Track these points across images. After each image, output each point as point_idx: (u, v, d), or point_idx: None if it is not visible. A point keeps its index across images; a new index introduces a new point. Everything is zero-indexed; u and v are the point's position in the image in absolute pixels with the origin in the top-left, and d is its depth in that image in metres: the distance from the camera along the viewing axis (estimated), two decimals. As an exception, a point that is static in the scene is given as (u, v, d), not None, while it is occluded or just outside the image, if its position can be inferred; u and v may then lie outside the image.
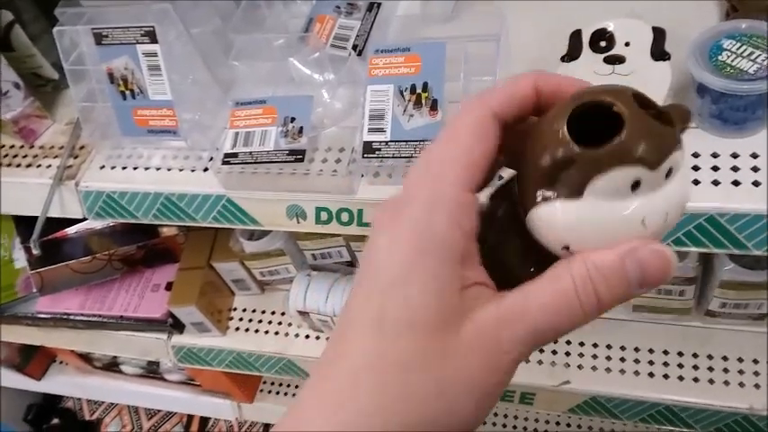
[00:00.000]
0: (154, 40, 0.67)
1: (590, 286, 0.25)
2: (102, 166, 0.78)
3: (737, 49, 0.56)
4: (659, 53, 0.63)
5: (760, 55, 0.55)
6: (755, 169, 0.56)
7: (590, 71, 0.64)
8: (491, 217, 0.30)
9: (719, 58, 0.56)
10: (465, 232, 0.26)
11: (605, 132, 0.24)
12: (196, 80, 0.73)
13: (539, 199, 0.26)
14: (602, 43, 0.65)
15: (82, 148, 0.81)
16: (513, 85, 0.28)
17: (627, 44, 0.65)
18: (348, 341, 0.26)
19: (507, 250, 0.30)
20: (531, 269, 0.28)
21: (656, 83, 0.61)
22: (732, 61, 0.55)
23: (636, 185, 0.25)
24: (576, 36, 0.67)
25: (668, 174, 0.25)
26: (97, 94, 0.73)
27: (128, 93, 0.70)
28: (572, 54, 0.66)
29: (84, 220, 0.86)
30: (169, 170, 0.75)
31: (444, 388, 0.25)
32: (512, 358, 0.26)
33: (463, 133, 0.27)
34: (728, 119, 0.57)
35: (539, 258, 0.28)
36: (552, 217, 0.26)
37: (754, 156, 0.57)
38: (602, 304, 0.25)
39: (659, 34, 0.64)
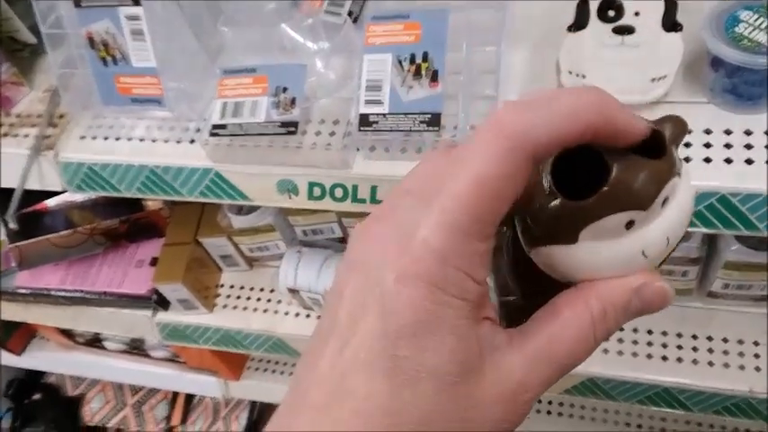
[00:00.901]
0: (137, 3, 0.63)
1: (604, 325, 0.25)
2: (83, 137, 0.74)
3: (755, 20, 0.53)
4: (671, 24, 0.60)
5: (779, 27, 0.53)
6: (770, 147, 0.54)
7: (598, 42, 0.61)
8: (501, 237, 0.29)
9: (736, 29, 0.53)
10: (478, 281, 0.24)
11: (599, 166, 0.24)
12: (182, 46, 0.69)
13: (534, 243, 0.26)
14: (611, 12, 0.62)
15: (61, 116, 0.77)
16: (568, 122, 0.23)
17: (637, 14, 0.62)
18: (354, 380, 0.23)
19: (516, 272, 0.29)
20: (535, 293, 0.27)
21: (667, 55, 0.58)
22: (749, 33, 0.53)
23: (630, 224, 0.24)
24: (583, 4, 0.63)
25: (665, 201, 0.24)
26: (77, 59, 0.69)
27: (109, 59, 0.66)
28: (579, 23, 0.63)
29: (64, 192, 0.83)
30: (154, 141, 0.72)
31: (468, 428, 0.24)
32: (534, 397, 0.25)
33: (497, 188, 0.23)
34: (743, 94, 0.55)
35: (546, 281, 0.27)
36: (550, 259, 0.26)
37: (769, 133, 0.54)
38: (605, 340, 0.26)
39: (671, 4, 0.61)
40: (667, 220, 0.25)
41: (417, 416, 0.23)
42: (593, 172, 0.24)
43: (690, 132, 0.56)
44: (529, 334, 0.26)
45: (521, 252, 0.28)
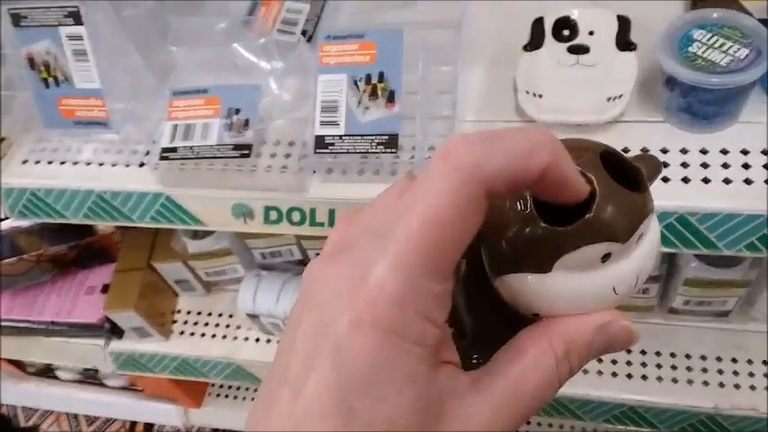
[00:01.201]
0: (78, 22, 0.60)
1: (567, 365, 0.24)
2: (25, 161, 0.71)
3: (708, 40, 0.54)
4: (625, 43, 0.60)
5: (732, 46, 0.53)
6: (726, 166, 0.54)
7: (554, 61, 0.60)
8: (457, 273, 0.27)
9: (690, 49, 0.53)
10: (438, 325, 0.23)
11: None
12: (128, 66, 0.66)
13: (502, 270, 0.25)
14: (566, 32, 0.62)
15: (2, 140, 0.74)
16: (523, 162, 0.21)
17: (591, 33, 0.62)
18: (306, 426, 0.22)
19: (473, 307, 0.28)
20: (499, 326, 0.26)
21: (622, 74, 0.58)
22: (703, 53, 0.53)
23: (606, 257, 0.23)
24: (538, 24, 0.63)
25: (640, 237, 0.24)
26: (17, 81, 0.66)
27: (51, 80, 0.63)
28: (534, 43, 0.62)
29: (7, 219, 0.79)
30: (101, 165, 0.69)
31: None
32: None
33: (452, 225, 0.21)
34: (698, 113, 0.55)
35: (507, 316, 0.26)
36: (521, 288, 0.25)
37: (725, 152, 0.54)
38: (569, 377, 0.25)
39: (624, 23, 0.61)
40: (640, 257, 0.24)
41: None
42: (567, 208, 0.23)
43: (646, 152, 0.55)
44: (493, 376, 0.24)
45: (477, 286, 0.26)
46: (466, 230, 0.22)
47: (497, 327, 0.26)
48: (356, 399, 0.21)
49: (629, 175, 0.24)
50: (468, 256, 0.27)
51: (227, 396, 1.19)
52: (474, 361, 0.28)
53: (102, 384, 1.22)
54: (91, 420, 1.47)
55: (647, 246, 0.24)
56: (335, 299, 0.22)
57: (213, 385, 1.20)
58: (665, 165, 0.54)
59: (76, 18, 0.60)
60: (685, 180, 0.53)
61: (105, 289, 0.92)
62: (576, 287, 0.24)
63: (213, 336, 0.93)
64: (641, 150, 0.55)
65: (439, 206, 0.21)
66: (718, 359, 0.74)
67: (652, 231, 0.24)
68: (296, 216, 0.63)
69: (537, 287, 0.24)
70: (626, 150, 0.56)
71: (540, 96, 0.59)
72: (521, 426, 0.24)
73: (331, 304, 0.22)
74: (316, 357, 0.22)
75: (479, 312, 0.28)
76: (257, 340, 0.91)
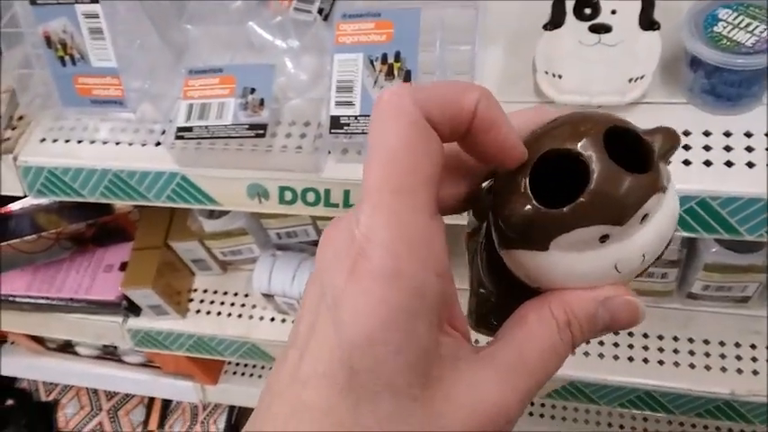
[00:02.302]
0: (95, 0, 0.60)
1: (568, 334, 0.24)
2: (43, 139, 0.71)
3: (734, 19, 0.52)
4: (648, 22, 0.58)
5: (758, 26, 0.51)
6: (750, 149, 0.52)
7: (575, 41, 0.59)
8: (476, 241, 0.28)
9: (715, 29, 0.52)
10: (438, 273, 0.22)
11: (583, 174, 0.22)
12: (144, 45, 0.66)
13: (505, 245, 0.25)
14: (587, 10, 0.61)
15: (21, 118, 0.74)
16: (453, 92, 0.23)
17: (613, 12, 0.60)
18: (311, 393, 0.22)
19: (492, 274, 0.28)
20: (508, 293, 0.26)
21: (644, 54, 0.56)
22: (728, 33, 0.51)
23: (605, 237, 0.23)
24: (559, 2, 0.62)
25: (645, 217, 0.23)
26: (34, 59, 0.66)
27: (67, 59, 0.63)
28: (555, 21, 0.61)
29: (26, 197, 0.80)
30: (117, 144, 0.69)
31: None
32: (514, 420, 0.24)
33: (404, 150, 0.22)
34: (722, 94, 0.53)
35: (519, 285, 0.26)
36: (522, 262, 0.25)
37: (748, 135, 0.53)
38: (572, 350, 0.25)
39: (648, 2, 0.59)
40: (645, 237, 0.23)
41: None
42: (576, 179, 0.22)
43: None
44: (496, 344, 0.24)
45: (495, 254, 0.26)
46: (422, 157, 0.22)
47: (513, 294, 0.26)
48: (356, 358, 0.21)
49: (640, 150, 0.23)
50: (487, 225, 0.27)
51: (243, 374, 1.20)
52: (492, 325, 0.29)
53: (120, 361, 1.23)
54: (110, 396, 1.49)
55: (655, 224, 0.23)
56: (334, 260, 0.23)
57: (230, 363, 1.21)
58: (687, 147, 0.53)
59: (92, -4, 0.60)
60: (707, 163, 0.52)
61: (123, 267, 0.93)
62: (574, 265, 0.23)
63: (229, 315, 0.93)
64: (662, 133, 0.54)
65: (383, 138, 0.22)
66: (737, 345, 0.73)
67: (665, 209, 0.23)
68: (310, 196, 0.63)
69: (536, 263, 0.24)
70: (647, 132, 0.55)
71: (560, 77, 0.58)
72: (529, 398, 0.24)
73: (330, 266, 0.23)
74: (318, 317, 0.23)
75: (497, 279, 0.28)
76: (272, 320, 0.91)
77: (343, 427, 0.21)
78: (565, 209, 0.22)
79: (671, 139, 0.24)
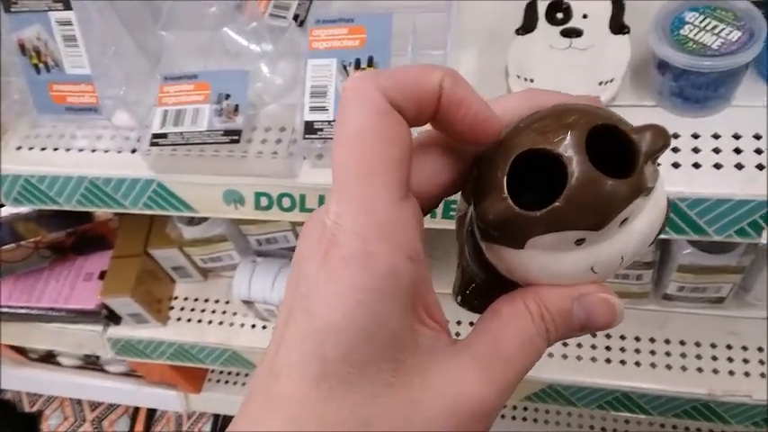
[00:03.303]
0: (68, 7, 0.60)
1: (543, 326, 0.24)
2: (19, 147, 0.71)
3: (701, 22, 0.53)
4: (618, 26, 0.59)
5: (724, 28, 0.52)
6: (717, 151, 0.53)
7: (546, 45, 0.60)
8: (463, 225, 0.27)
9: (681, 32, 0.53)
10: (409, 256, 0.22)
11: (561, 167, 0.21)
12: (119, 51, 0.66)
13: (484, 237, 0.24)
14: (559, 15, 0.62)
15: (-3, 126, 0.74)
16: (415, 74, 0.23)
17: (585, 16, 0.61)
18: (284, 384, 0.21)
19: (473, 257, 0.27)
20: (492, 279, 0.26)
21: (614, 58, 0.57)
22: (695, 35, 0.52)
23: (580, 241, 0.22)
24: (531, 7, 0.63)
25: (624, 221, 0.22)
26: (9, 67, 0.66)
27: (41, 66, 0.63)
28: (527, 26, 0.62)
29: (2, 206, 0.79)
30: (94, 151, 0.69)
31: None
32: (494, 411, 0.23)
33: (367, 135, 0.22)
34: (690, 97, 0.54)
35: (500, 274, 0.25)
36: (499, 257, 0.24)
37: (716, 136, 0.54)
38: (548, 344, 0.24)
39: (618, 6, 0.60)
40: (624, 240, 0.23)
41: (353, 424, 0.21)
42: (558, 175, 0.22)
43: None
44: (472, 335, 0.24)
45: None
46: (387, 141, 0.22)
47: (495, 280, 0.26)
48: (328, 346, 0.21)
49: (626, 148, 0.22)
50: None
51: (226, 382, 1.19)
52: (474, 305, 0.29)
53: (103, 370, 1.23)
54: (94, 406, 1.48)
55: (638, 226, 0.23)
56: (307, 250, 0.23)
57: (213, 371, 1.20)
58: (656, 149, 0.54)
59: (66, 3, 0.60)
60: (675, 165, 0.53)
61: (103, 275, 0.92)
62: (550, 264, 0.23)
63: (210, 322, 0.93)
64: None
65: (348, 125, 0.22)
66: (713, 345, 0.73)
67: (649, 209, 0.23)
68: (286, 202, 0.63)
69: (512, 259, 0.23)
70: (617, 135, 0.55)
71: (532, 81, 0.58)
72: (507, 389, 0.23)
73: (304, 256, 0.23)
74: (293, 308, 0.22)
75: (481, 265, 0.27)
76: (253, 326, 0.91)
77: (318, 417, 0.21)
78: (539, 212, 0.21)
79: (660, 139, 0.22)
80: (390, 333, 0.21)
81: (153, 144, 0.62)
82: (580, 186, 0.21)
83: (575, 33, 0.60)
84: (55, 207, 0.71)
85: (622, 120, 0.22)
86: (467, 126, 0.23)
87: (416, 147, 0.25)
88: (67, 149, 0.70)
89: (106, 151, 0.68)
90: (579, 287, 0.24)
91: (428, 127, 0.25)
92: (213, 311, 0.94)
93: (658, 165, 0.23)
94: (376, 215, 0.21)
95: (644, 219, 0.23)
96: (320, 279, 0.21)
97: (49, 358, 1.25)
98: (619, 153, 0.22)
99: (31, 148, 0.71)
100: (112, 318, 0.92)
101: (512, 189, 0.22)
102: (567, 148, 0.21)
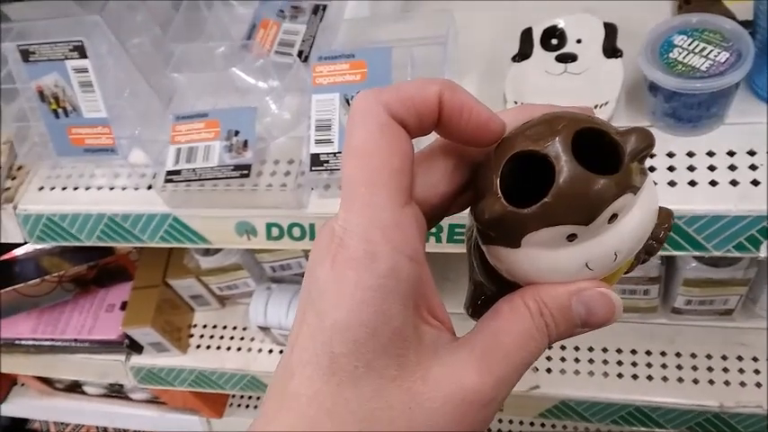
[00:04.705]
0: (83, 56, 0.63)
1: (542, 321, 0.25)
2: (41, 188, 0.74)
3: (689, 45, 0.54)
4: (611, 50, 0.61)
5: (712, 50, 0.53)
6: (712, 168, 0.54)
7: (542, 71, 0.62)
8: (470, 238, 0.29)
9: (671, 55, 0.54)
10: (410, 257, 0.23)
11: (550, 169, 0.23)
12: (134, 94, 0.69)
13: (484, 240, 0.26)
14: (554, 41, 0.63)
15: (20, 168, 0.77)
16: (415, 88, 0.24)
17: (579, 41, 0.63)
18: (296, 382, 0.23)
19: (481, 267, 0.29)
20: (501, 287, 0.27)
21: (608, 82, 0.59)
22: (684, 58, 0.54)
23: (572, 236, 0.23)
24: (526, 34, 0.65)
25: (614, 217, 0.23)
26: (29, 112, 0.69)
27: (60, 111, 0.67)
28: (523, 53, 0.64)
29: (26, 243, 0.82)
30: (112, 189, 0.72)
31: None
32: (489, 403, 0.24)
33: (371, 147, 0.24)
34: (682, 117, 0.56)
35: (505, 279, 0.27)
36: (498, 258, 0.25)
37: (711, 154, 0.55)
38: (549, 340, 0.25)
39: (611, 30, 0.62)
40: (616, 236, 0.24)
41: (360, 416, 0.22)
42: (549, 177, 0.23)
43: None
44: (472, 333, 0.25)
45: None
46: (390, 152, 0.24)
47: (503, 288, 0.27)
48: (337, 343, 0.22)
49: (612, 150, 0.23)
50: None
51: (247, 406, 1.21)
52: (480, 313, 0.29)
53: (127, 398, 1.25)
54: (120, 433, 1.51)
55: (627, 224, 0.24)
56: (317, 257, 0.24)
57: (234, 396, 1.22)
58: (652, 169, 0.55)
59: (81, 52, 0.63)
60: (672, 183, 0.54)
61: (124, 306, 0.95)
62: (546, 262, 0.24)
63: (228, 348, 0.95)
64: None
65: (354, 140, 0.24)
66: (723, 357, 0.74)
67: (638, 208, 0.24)
68: (296, 231, 0.66)
69: (511, 259, 0.25)
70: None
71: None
72: (506, 383, 0.24)
73: (315, 263, 0.24)
74: (305, 311, 0.24)
75: (488, 273, 0.28)
76: (270, 351, 0.93)
77: (328, 411, 0.22)
78: (530, 209, 0.23)
79: (644, 139, 0.24)
80: (394, 329, 0.23)
81: (167, 181, 0.65)
82: (567, 183, 0.22)
83: (569, 58, 0.62)
84: (76, 243, 0.74)
85: (609, 125, 0.24)
86: (471, 129, 0.25)
87: (422, 157, 0.27)
88: (87, 188, 0.72)
89: (123, 188, 0.71)
90: (577, 283, 0.25)
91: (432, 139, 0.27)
92: (231, 338, 0.96)
93: (647, 169, 0.24)
94: (379, 220, 0.23)
95: (634, 218, 0.24)
96: (329, 280, 0.23)
97: (74, 388, 1.28)
98: (607, 156, 0.23)
99: (52, 188, 0.74)
100: (134, 347, 0.95)
101: (508, 193, 0.24)
102: (555, 148, 0.22)
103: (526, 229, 0.23)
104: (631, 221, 0.24)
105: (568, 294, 0.24)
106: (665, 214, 0.28)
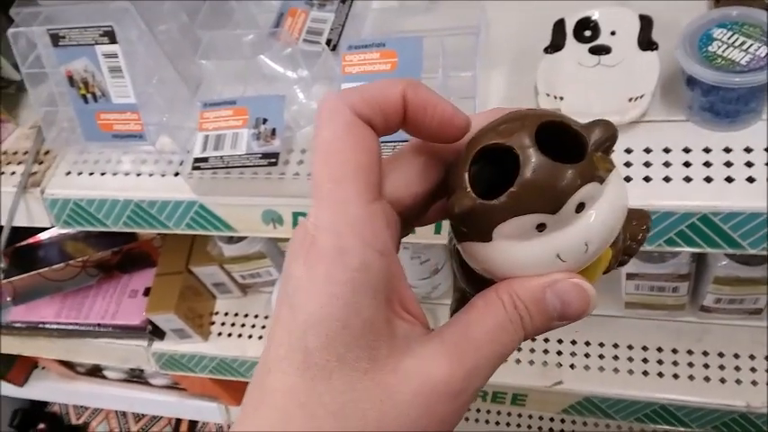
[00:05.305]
0: (113, 41, 0.63)
1: (515, 314, 0.25)
2: (69, 173, 0.75)
3: (729, 38, 0.53)
4: (646, 43, 0.60)
5: (752, 44, 0.52)
6: (749, 164, 0.53)
7: (575, 63, 0.61)
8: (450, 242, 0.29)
9: (710, 48, 0.53)
10: (380, 251, 0.24)
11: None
12: (162, 80, 0.69)
13: (458, 238, 0.26)
14: (587, 33, 0.62)
15: (47, 153, 0.78)
16: (378, 89, 0.25)
17: (613, 33, 0.62)
18: (273, 377, 0.23)
19: (459, 269, 0.29)
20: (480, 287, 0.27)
21: (643, 74, 0.58)
22: (723, 52, 0.52)
23: (541, 226, 0.24)
24: (559, 25, 0.64)
25: (581, 207, 0.24)
26: (58, 97, 0.70)
27: (89, 96, 0.67)
28: (556, 45, 0.63)
29: (53, 227, 0.83)
30: (138, 175, 0.72)
31: (384, 426, 0.23)
32: (458, 394, 0.24)
33: (338, 144, 0.24)
34: (720, 111, 0.54)
35: (481, 278, 0.27)
36: (472, 254, 0.26)
37: (748, 150, 0.54)
38: (525, 333, 0.25)
39: (646, 23, 0.61)
40: (585, 227, 0.24)
41: (333, 409, 0.22)
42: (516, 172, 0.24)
43: (668, 152, 0.55)
44: (445, 326, 0.26)
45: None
46: (355, 150, 0.24)
47: (481, 289, 0.27)
48: (309, 337, 0.23)
49: (577, 143, 0.24)
50: None
51: (266, 394, 1.22)
52: None
53: (147, 383, 1.26)
54: (138, 417, 1.52)
55: (596, 215, 0.24)
56: (292, 255, 0.24)
57: (253, 384, 1.23)
58: (687, 164, 0.54)
59: (111, 37, 0.63)
60: (708, 179, 0.53)
61: (147, 292, 0.96)
62: (519, 254, 0.24)
63: (250, 336, 0.96)
64: (663, 151, 0.55)
65: (320, 138, 0.25)
66: (751, 357, 0.73)
67: (606, 199, 0.24)
68: (323, 221, 0.65)
69: (484, 254, 0.25)
70: (648, 150, 0.56)
71: (562, 99, 0.59)
72: (477, 375, 0.24)
73: (290, 261, 0.25)
74: (281, 307, 0.24)
75: (468, 276, 0.29)
76: (292, 340, 0.93)
77: (302, 405, 0.22)
78: (498, 200, 0.23)
79: (607, 131, 0.24)
80: (365, 322, 0.23)
81: (195, 168, 0.65)
82: (532, 171, 0.23)
83: (603, 50, 0.61)
84: (103, 229, 0.75)
85: (574, 120, 0.24)
86: (436, 125, 0.26)
87: (394, 158, 0.28)
88: (114, 174, 0.73)
89: (150, 175, 0.71)
90: (551, 275, 0.25)
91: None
92: (253, 326, 0.96)
93: (612, 161, 0.25)
94: (347, 215, 0.24)
95: (603, 210, 0.24)
96: (302, 277, 0.23)
97: (95, 372, 1.29)
98: (573, 149, 0.24)
99: (79, 173, 0.74)
100: (157, 333, 0.96)
101: (481, 191, 0.24)
102: (520, 139, 0.23)
103: (496, 220, 0.24)
104: (600, 213, 0.24)
105: (542, 286, 0.25)
106: (642, 215, 0.29)
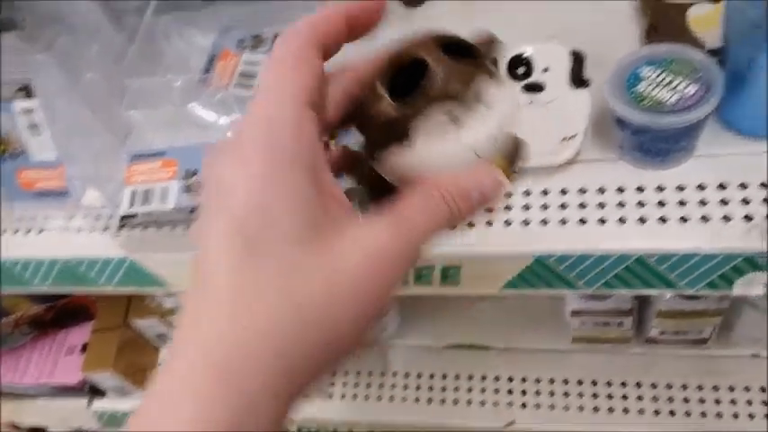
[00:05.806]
0: (30, 96, 0.60)
1: (438, 193, 0.27)
2: (-9, 232, 0.71)
3: (657, 76, 0.53)
4: (578, 80, 0.60)
5: (681, 82, 0.52)
6: (682, 203, 0.53)
7: (508, 103, 0.60)
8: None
9: (637, 88, 0.53)
10: (310, 141, 0.25)
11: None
12: (87, 133, 0.66)
13: (374, 149, 0.29)
14: (521, 70, 0.62)
15: (-32, 212, 0.74)
16: (328, 16, 0.27)
17: (545, 70, 0.62)
18: (216, 280, 0.23)
19: (366, 190, 0.32)
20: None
21: (575, 113, 0.58)
22: (650, 92, 0.52)
23: (455, 120, 0.27)
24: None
25: (484, 103, 0.28)
26: (-25, 155, 0.66)
27: (8, 155, 0.63)
28: (490, 84, 0.62)
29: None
30: (65, 232, 0.68)
31: (332, 297, 0.24)
32: (399, 260, 0.26)
33: (289, 59, 0.26)
34: (650, 150, 0.54)
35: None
36: (390, 163, 0.28)
37: (681, 188, 0.54)
38: (452, 210, 0.27)
39: (577, 59, 0.61)
40: (490, 119, 0.28)
41: (282, 289, 0.23)
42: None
43: (603, 192, 0.55)
44: (378, 214, 0.27)
45: (371, 169, 0.30)
46: (308, 66, 0.26)
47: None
48: (249, 225, 0.23)
49: (468, 53, 0.28)
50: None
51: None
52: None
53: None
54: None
55: (496, 110, 0.28)
56: (219, 162, 0.25)
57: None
58: (621, 205, 0.54)
59: (28, 92, 0.60)
60: (642, 220, 0.53)
61: (85, 348, 0.91)
62: (438, 153, 0.27)
63: (196, 388, 0.92)
64: (597, 191, 0.55)
65: (280, 57, 0.26)
66: (700, 387, 0.73)
67: (502, 97, 0.29)
68: (259, 274, 0.63)
69: (404, 159, 0.28)
70: (583, 191, 0.55)
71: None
72: (416, 246, 0.26)
73: (218, 166, 0.25)
74: (215, 209, 0.24)
75: (374, 191, 0.31)
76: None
77: (248, 285, 0.23)
78: (412, 96, 0.27)
79: (489, 40, 0.30)
80: (300, 195, 0.24)
81: (122, 225, 0.62)
82: (439, 67, 0.27)
83: (536, 88, 0.60)
84: (29, 291, 0.71)
85: (470, 39, 0.29)
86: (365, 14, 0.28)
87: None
88: (39, 232, 0.69)
89: (79, 231, 0.68)
90: (477, 177, 0.28)
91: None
92: (199, 377, 0.93)
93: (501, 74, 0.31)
94: (287, 111, 0.25)
95: (501, 105, 0.28)
96: (234, 174, 0.24)
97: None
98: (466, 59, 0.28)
99: (3, 232, 0.70)
100: (96, 391, 0.91)
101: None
102: (422, 49, 0.27)
103: (413, 116, 0.27)
104: (499, 108, 0.28)
105: (456, 174, 0.27)
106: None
